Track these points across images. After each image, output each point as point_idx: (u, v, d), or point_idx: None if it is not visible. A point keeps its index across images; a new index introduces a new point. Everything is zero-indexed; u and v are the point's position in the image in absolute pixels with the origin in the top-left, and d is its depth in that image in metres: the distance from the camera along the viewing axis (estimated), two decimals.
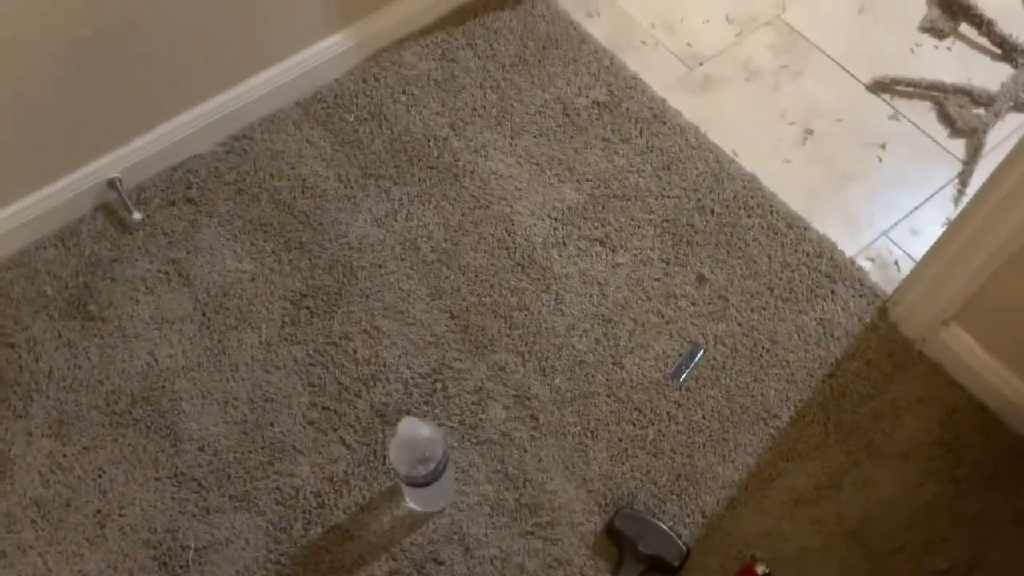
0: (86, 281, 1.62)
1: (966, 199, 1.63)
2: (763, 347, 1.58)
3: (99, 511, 1.43)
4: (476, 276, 1.64)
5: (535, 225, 1.70)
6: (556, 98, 1.84)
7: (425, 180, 1.74)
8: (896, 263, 1.69)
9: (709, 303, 1.62)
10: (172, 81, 1.62)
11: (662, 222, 1.70)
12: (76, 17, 1.40)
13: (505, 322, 1.59)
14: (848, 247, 1.69)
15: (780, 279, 1.64)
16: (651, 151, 1.78)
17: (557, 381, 1.54)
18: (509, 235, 1.68)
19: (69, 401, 1.51)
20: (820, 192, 1.77)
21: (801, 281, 1.64)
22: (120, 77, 1.54)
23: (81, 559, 1.39)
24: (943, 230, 1.46)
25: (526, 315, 1.60)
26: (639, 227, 1.70)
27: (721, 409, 1.53)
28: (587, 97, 1.84)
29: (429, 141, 1.79)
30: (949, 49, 1.96)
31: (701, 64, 1.93)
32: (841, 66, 1.93)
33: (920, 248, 1.63)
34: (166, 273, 1.63)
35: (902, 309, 1.57)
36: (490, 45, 1.90)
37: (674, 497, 1.45)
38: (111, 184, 1.67)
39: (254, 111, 1.78)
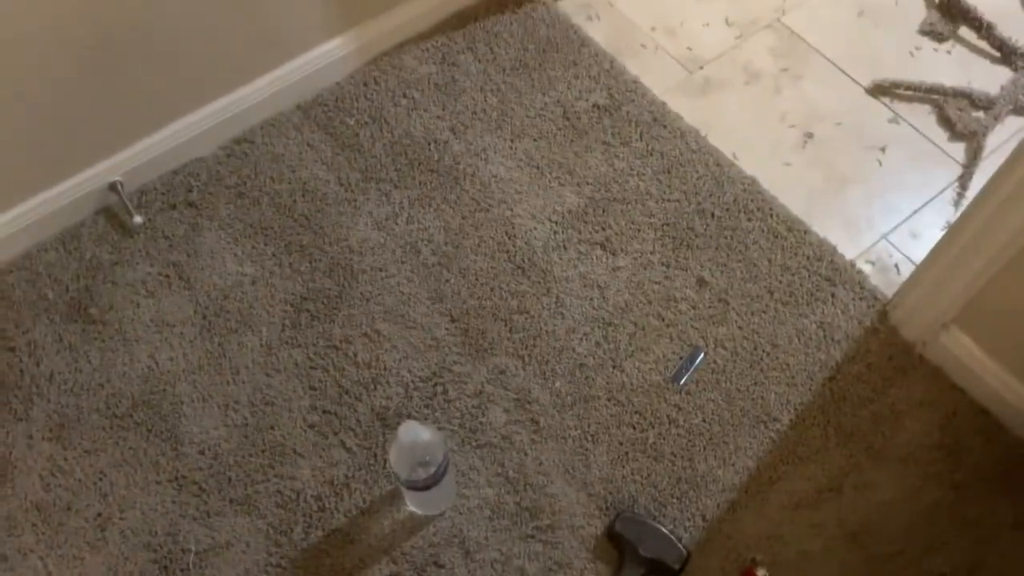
0: (87, 284, 1.62)
1: (966, 202, 1.63)
2: (763, 350, 1.58)
3: (100, 514, 1.43)
4: (476, 279, 1.64)
5: (535, 228, 1.70)
6: (556, 101, 1.84)
7: (425, 183, 1.74)
8: (896, 266, 1.69)
9: (709, 306, 1.62)
10: (173, 85, 1.63)
11: (662, 225, 1.70)
12: (78, 21, 1.41)
13: (505, 325, 1.59)
14: (848, 250, 1.69)
15: (780, 282, 1.65)
16: (651, 154, 1.78)
17: (557, 384, 1.54)
18: (509, 238, 1.69)
19: (70, 404, 1.51)
20: (820, 195, 1.77)
21: (801, 284, 1.64)
22: (121, 81, 1.54)
23: (82, 563, 1.39)
24: (943, 233, 1.46)
25: (526, 318, 1.60)
26: (639, 230, 1.70)
27: (721, 412, 1.53)
28: (587, 101, 1.85)
29: (429, 144, 1.79)
30: (949, 52, 1.96)
31: (701, 67, 1.94)
32: (841, 69, 1.94)
33: (920, 251, 1.63)
34: (167, 276, 1.64)
35: (902, 312, 1.57)
36: (490, 49, 1.91)
37: (674, 500, 1.45)
38: (112, 187, 1.67)
39: (255, 114, 1.78)
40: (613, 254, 1.67)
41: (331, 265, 1.65)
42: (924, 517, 1.44)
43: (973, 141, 1.82)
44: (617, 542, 1.40)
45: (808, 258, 1.67)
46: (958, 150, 1.83)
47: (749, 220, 1.71)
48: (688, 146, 1.79)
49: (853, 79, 1.92)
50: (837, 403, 1.53)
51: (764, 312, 1.62)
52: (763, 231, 1.70)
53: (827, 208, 1.75)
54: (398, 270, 1.65)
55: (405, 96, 1.84)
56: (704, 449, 1.49)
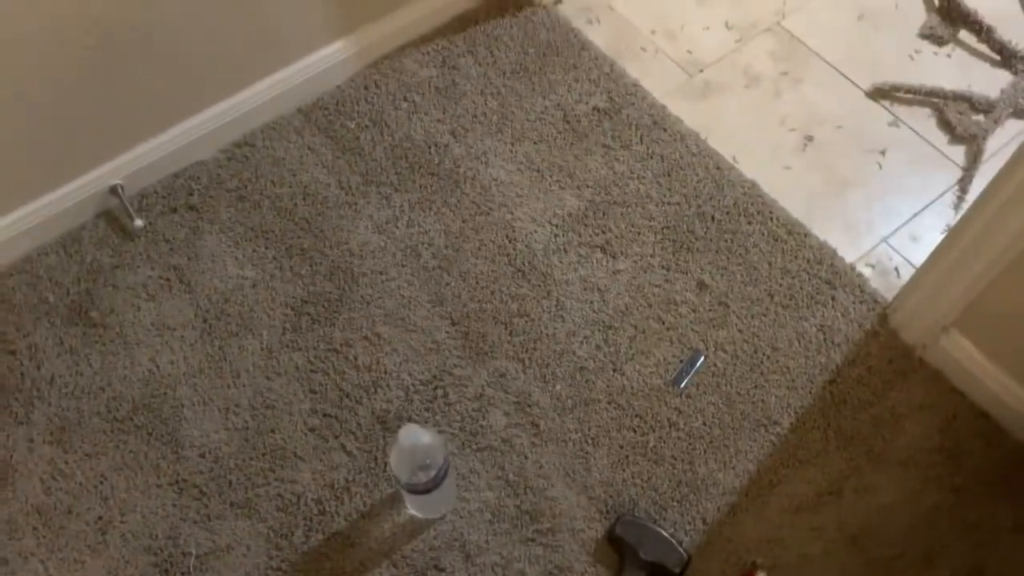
0: (88, 288, 1.62)
1: (966, 205, 1.63)
2: (764, 353, 1.58)
3: (100, 518, 1.43)
4: (477, 283, 1.64)
5: (536, 232, 1.70)
6: (557, 105, 1.85)
7: (426, 187, 1.75)
8: (896, 269, 1.69)
9: (710, 309, 1.62)
10: (174, 88, 1.63)
11: (663, 228, 1.71)
12: (79, 25, 1.41)
13: (506, 329, 1.60)
14: (848, 253, 1.69)
15: (780, 285, 1.65)
16: (651, 158, 1.79)
17: (558, 388, 1.54)
18: (510, 242, 1.69)
19: (71, 408, 1.51)
20: (820, 198, 1.77)
21: (801, 287, 1.64)
22: (122, 84, 1.54)
23: (82, 566, 1.39)
24: (943, 236, 1.46)
25: (527, 321, 1.60)
26: (640, 233, 1.70)
27: (722, 416, 1.53)
28: (587, 104, 1.85)
29: (430, 148, 1.79)
30: (949, 56, 1.96)
31: (701, 71, 1.94)
32: (841, 73, 1.94)
33: (920, 254, 1.63)
34: (167, 280, 1.64)
35: (902, 315, 1.57)
36: (491, 52, 1.91)
37: (675, 504, 1.45)
38: (113, 191, 1.67)
39: (256, 118, 1.78)
40: (613, 257, 1.67)
41: (331, 268, 1.65)
42: (924, 520, 1.44)
43: (973, 144, 1.83)
44: (617, 545, 1.40)
45: (808, 261, 1.67)
46: (958, 153, 1.83)
47: (749, 223, 1.71)
48: (688, 149, 1.80)
49: (853, 82, 1.92)
50: (837, 406, 1.53)
51: (764, 315, 1.62)
52: (763, 234, 1.70)
53: (827, 211, 1.75)
54: (398, 273, 1.65)
55: (406, 99, 1.85)
56: (704, 452, 1.49)
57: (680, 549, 1.38)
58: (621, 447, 1.50)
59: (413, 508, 1.43)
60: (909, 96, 1.90)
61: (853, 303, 1.63)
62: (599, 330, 1.60)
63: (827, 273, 1.66)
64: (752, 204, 1.73)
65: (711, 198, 1.74)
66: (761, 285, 1.65)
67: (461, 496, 1.45)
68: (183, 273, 1.64)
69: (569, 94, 1.86)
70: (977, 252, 1.36)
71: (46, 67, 1.43)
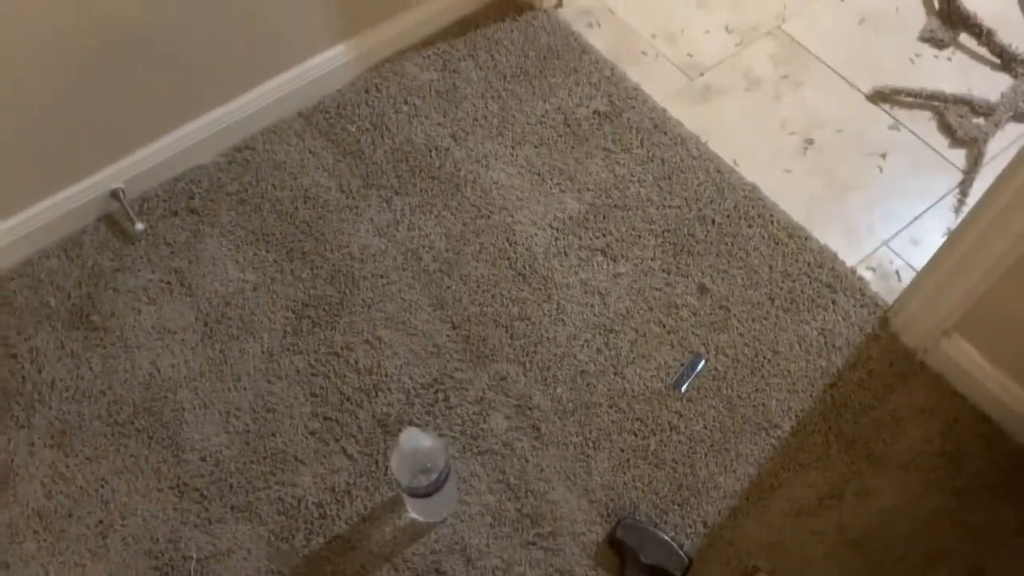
0: (89, 291, 1.63)
1: (966, 209, 1.63)
2: (764, 357, 1.58)
3: (101, 521, 1.43)
4: (477, 286, 1.64)
5: (536, 235, 1.70)
6: (557, 108, 1.85)
7: (427, 190, 1.75)
8: (897, 273, 1.69)
9: (710, 313, 1.62)
10: (175, 92, 1.63)
11: (663, 232, 1.71)
12: (81, 29, 1.41)
13: (506, 332, 1.60)
14: (849, 257, 1.69)
15: (781, 289, 1.65)
16: (652, 161, 1.79)
17: (558, 391, 1.54)
18: (510, 245, 1.69)
19: (71, 411, 1.51)
20: (821, 202, 1.77)
21: (802, 291, 1.64)
22: (123, 88, 1.55)
23: (83, 570, 1.39)
24: (944, 240, 1.46)
25: (527, 325, 1.60)
26: (640, 237, 1.70)
27: (722, 419, 1.53)
28: (588, 107, 1.85)
29: (431, 151, 1.79)
30: (949, 59, 1.97)
31: (702, 74, 1.94)
32: (841, 76, 1.94)
33: (921, 258, 1.63)
34: (168, 283, 1.64)
35: (903, 319, 1.57)
36: (491, 56, 1.91)
37: (676, 507, 1.45)
38: (114, 194, 1.67)
39: (256, 122, 1.78)
40: (614, 260, 1.67)
41: (332, 272, 1.65)
42: (925, 524, 1.44)
43: (974, 147, 1.83)
44: (618, 549, 1.40)
45: (809, 265, 1.67)
46: (959, 156, 1.83)
47: (750, 227, 1.71)
48: (689, 153, 1.80)
49: (854, 86, 1.93)
50: (838, 410, 1.53)
51: (765, 319, 1.62)
52: (764, 238, 1.70)
53: (828, 215, 1.75)
54: (399, 277, 1.65)
55: (406, 103, 1.85)
56: (705, 456, 1.49)
57: (681, 552, 1.38)
58: (622, 450, 1.49)
59: (414, 512, 1.43)
60: (910, 99, 1.90)
61: (854, 306, 1.63)
62: (600, 333, 1.60)
63: (828, 276, 1.66)
64: (753, 207, 1.73)
65: (712, 201, 1.74)
66: (762, 288, 1.65)
67: (462, 500, 1.45)
68: (184, 276, 1.64)
69: (570, 98, 1.86)
70: (978, 255, 1.36)
71: (47, 70, 1.43)
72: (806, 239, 1.70)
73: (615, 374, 1.56)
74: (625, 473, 1.48)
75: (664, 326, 1.61)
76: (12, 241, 1.61)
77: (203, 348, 1.57)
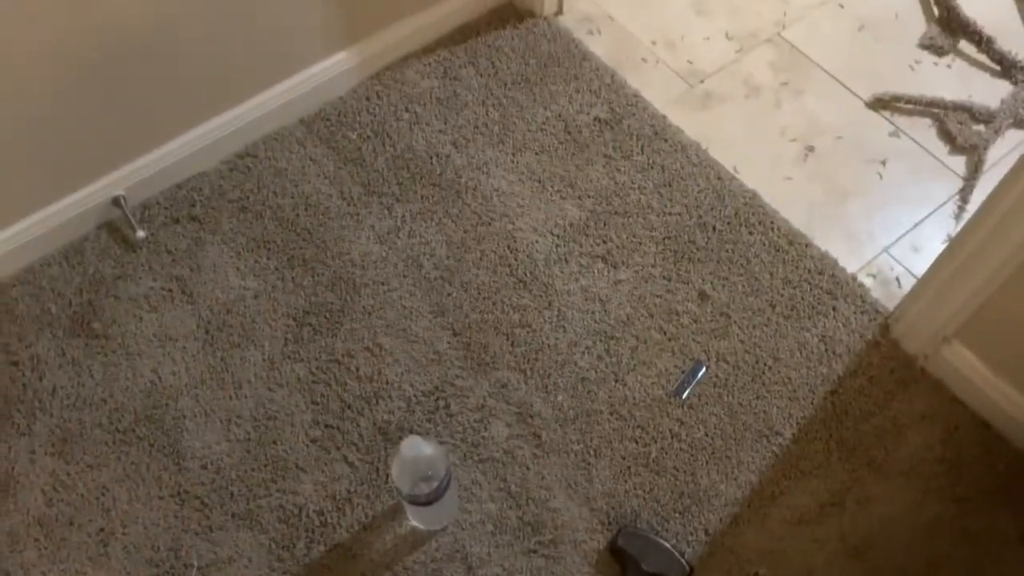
0: (90, 299, 1.63)
1: (967, 216, 1.63)
2: (765, 364, 1.58)
3: (102, 529, 1.43)
4: (478, 293, 1.64)
5: (537, 242, 1.70)
6: (558, 115, 1.85)
7: (427, 197, 1.75)
8: (897, 280, 1.69)
9: (711, 320, 1.62)
10: (176, 100, 1.63)
11: (664, 239, 1.71)
12: (82, 36, 1.41)
13: (507, 339, 1.60)
14: (849, 264, 1.69)
15: (782, 296, 1.65)
16: (652, 168, 1.79)
17: (559, 398, 1.54)
18: (511, 252, 1.69)
19: (72, 419, 1.51)
20: (821, 209, 1.77)
21: (803, 298, 1.64)
22: (125, 96, 1.55)
23: None
24: (944, 247, 1.47)
25: (528, 332, 1.60)
26: (641, 244, 1.70)
27: (723, 426, 1.53)
28: (588, 114, 1.85)
29: (431, 158, 1.79)
30: (949, 66, 1.97)
31: (702, 81, 1.95)
32: (841, 83, 1.94)
33: (921, 265, 1.63)
34: (170, 291, 1.64)
35: (904, 326, 1.58)
36: (492, 63, 1.91)
37: (677, 515, 1.45)
38: (115, 202, 1.68)
39: (258, 129, 1.79)
40: (615, 267, 1.67)
41: (333, 279, 1.66)
42: (926, 531, 1.44)
43: (974, 154, 1.83)
44: (619, 557, 1.40)
45: (809, 271, 1.67)
46: (959, 163, 1.83)
47: (750, 233, 1.72)
48: (689, 160, 1.80)
49: (853, 93, 1.93)
50: (839, 417, 1.53)
51: (766, 326, 1.62)
52: (764, 244, 1.70)
53: (828, 221, 1.75)
54: (400, 284, 1.65)
55: (407, 110, 1.85)
56: (706, 463, 1.49)
57: (682, 560, 1.38)
58: (623, 458, 1.49)
59: (415, 520, 1.42)
60: (909, 106, 1.90)
61: (854, 313, 1.63)
62: (600, 340, 1.60)
63: (828, 283, 1.66)
64: (753, 214, 1.74)
65: (712, 208, 1.74)
66: (762, 295, 1.65)
67: (463, 507, 1.45)
68: (185, 284, 1.65)
69: (570, 105, 1.87)
70: (978, 262, 1.36)
71: (48, 78, 1.43)
72: (806, 246, 1.70)
73: (616, 381, 1.56)
74: (626, 481, 1.48)
75: (665, 333, 1.61)
76: (14, 248, 1.61)
77: (204, 356, 1.58)
